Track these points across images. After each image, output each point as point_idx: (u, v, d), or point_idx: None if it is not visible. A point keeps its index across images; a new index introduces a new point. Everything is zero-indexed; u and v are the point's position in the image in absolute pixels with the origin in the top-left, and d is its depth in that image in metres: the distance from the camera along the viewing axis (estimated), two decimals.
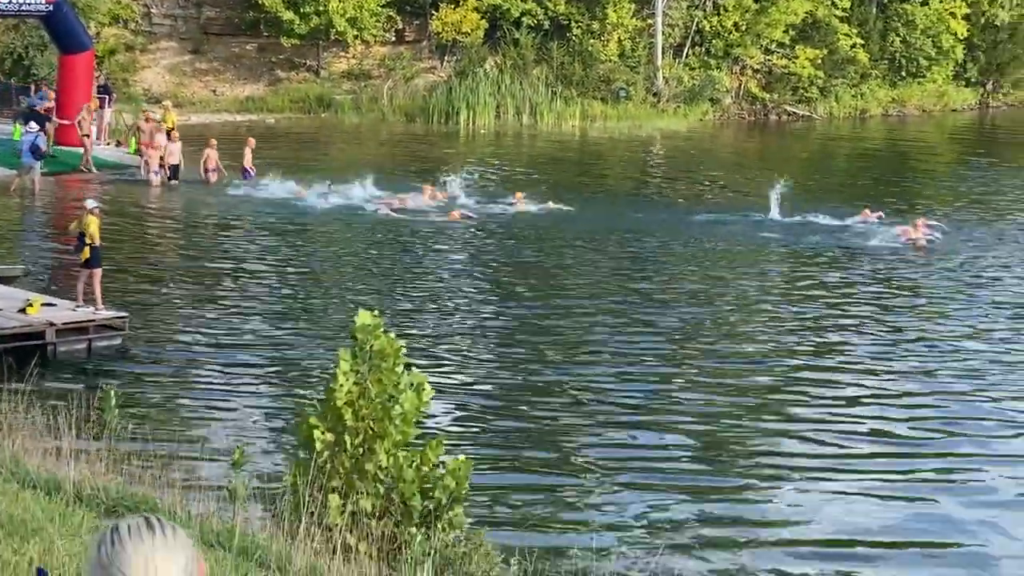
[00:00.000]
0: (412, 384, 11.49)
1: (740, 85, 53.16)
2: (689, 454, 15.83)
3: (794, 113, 53.22)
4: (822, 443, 16.24)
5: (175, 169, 34.24)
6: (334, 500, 10.89)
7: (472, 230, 30.40)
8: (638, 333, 21.51)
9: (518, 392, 18.35)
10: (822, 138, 50.51)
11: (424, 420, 12.21)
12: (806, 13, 52.90)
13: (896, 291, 25.67)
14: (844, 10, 54.55)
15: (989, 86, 59.02)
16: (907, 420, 17.31)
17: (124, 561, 3.11)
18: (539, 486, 14.77)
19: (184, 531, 3.20)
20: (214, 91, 50.12)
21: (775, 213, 32.18)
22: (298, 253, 27.72)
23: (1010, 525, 13.81)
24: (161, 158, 34.20)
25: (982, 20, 57.82)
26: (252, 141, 35.64)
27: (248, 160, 34.88)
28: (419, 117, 48.39)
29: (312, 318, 22.13)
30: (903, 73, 56.22)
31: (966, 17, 56.93)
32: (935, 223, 31.60)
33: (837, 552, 12.92)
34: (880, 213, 32.02)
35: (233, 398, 17.54)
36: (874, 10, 56.16)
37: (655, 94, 51.26)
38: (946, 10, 56.16)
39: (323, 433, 11.24)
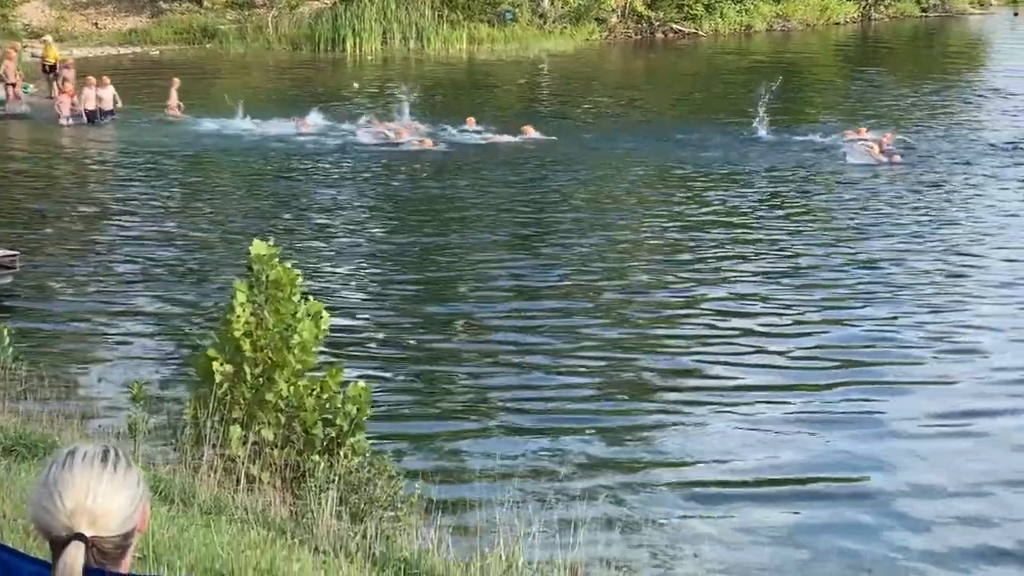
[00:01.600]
0: (310, 313, 11.47)
1: (626, 4, 53.17)
2: (589, 387, 15.80)
3: (680, 31, 53.38)
4: (726, 377, 16.19)
5: (98, 113, 33.75)
6: (235, 431, 10.87)
7: (376, 160, 30.24)
8: (541, 264, 21.44)
9: (419, 321, 18.35)
10: (708, 55, 50.74)
11: (323, 349, 12.17)
12: None
13: (805, 215, 25.88)
14: None
15: None
16: (813, 352, 17.20)
17: (66, 486, 3.11)
18: (440, 413, 14.82)
19: (140, 472, 3.19)
20: (96, 24, 49.29)
21: (762, 131, 32.55)
22: (198, 188, 27.45)
23: (906, 459, 13.79)
24: (73, 103, 33.77)
25: None
26: (177, 81, 35.23)
27: (173, 100, 34.57)
28: (305, 45, 47.98)
29: (211, 252, 21.98)
30: None
31: None
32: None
33: (731, 491, 12.88)
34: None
35: (130, 334, 17.40)
36: None
37: (541, 16, 51.19)
38: None
39: (222, 365, 11.19)
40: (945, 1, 62.00)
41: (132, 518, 3.17)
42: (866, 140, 31.60)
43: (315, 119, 33.37)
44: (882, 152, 30.74)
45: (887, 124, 34.38)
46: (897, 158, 30.30)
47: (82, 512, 3.09)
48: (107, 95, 33.96)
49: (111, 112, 33.93)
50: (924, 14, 61.37)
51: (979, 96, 41.20)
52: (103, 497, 3.11)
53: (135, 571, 3.26)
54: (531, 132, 32.46)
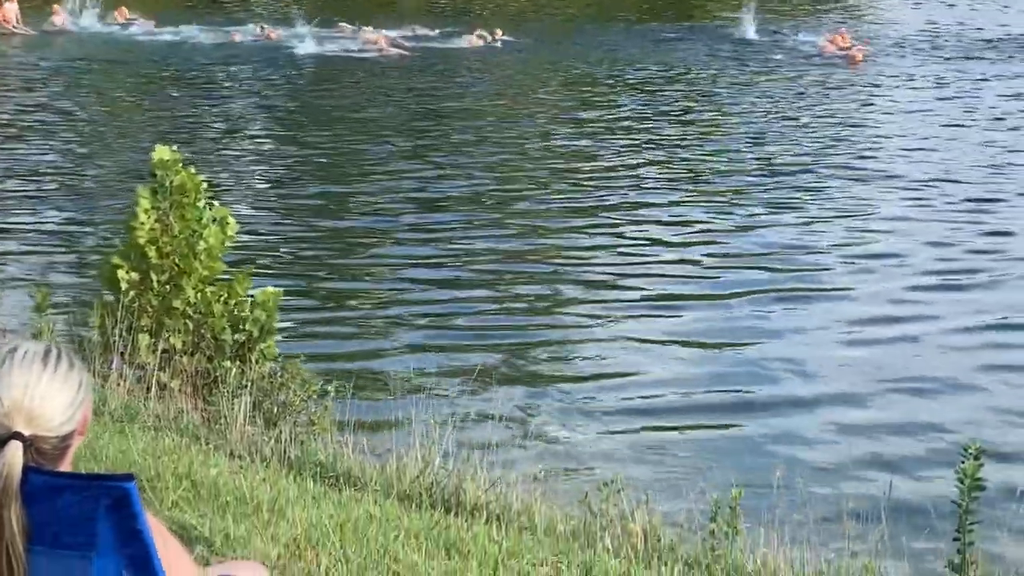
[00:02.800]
0: (216, 219, 11.34)
1: None
2: (495, 299, 15.78)
3: None
4: (632, 288, 16.22)
5: None
6: (143, 339, 10.75)
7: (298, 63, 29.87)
8: (446, 175, 21.34)
9: (327, 224, 18.26)
10: None
11: (231, 254, 12.06)
12: None
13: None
14: None
15: None
16: (720, 262, 17.26)
17: (3, 384, 3.06)
18: (350, 320, 14.77)
19: (86, 376, 3.14)
20: None
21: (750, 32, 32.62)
22: (102, 96, 26.98)
23: (814, 367, 13.85)
24: None
25: None
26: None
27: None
28: None
29: (113, 160, 21.64)
30: None
31: None
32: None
33: (637, 403, 12.91)
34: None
35: (33, 246, 17.12)
36: None
37: None
38: None
39: (127, 273, 11.05)
40: None
41: (73, 419, 3.13)
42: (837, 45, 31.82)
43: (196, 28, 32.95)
44: (841, 48, 31.11)
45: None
46: (858, 56, 30.68)
47: (19, 410, 3.05)
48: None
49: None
50: None
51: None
52: (41, 397, 3.07)
53: None
54: (499, 35, 32.54)
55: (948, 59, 31.98)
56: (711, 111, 26.09)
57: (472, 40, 32.84)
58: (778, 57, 31.20)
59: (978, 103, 27.28)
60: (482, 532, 6.84)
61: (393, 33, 33.02)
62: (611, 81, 28.59)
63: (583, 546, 7.14)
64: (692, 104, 26.60)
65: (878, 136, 23.93)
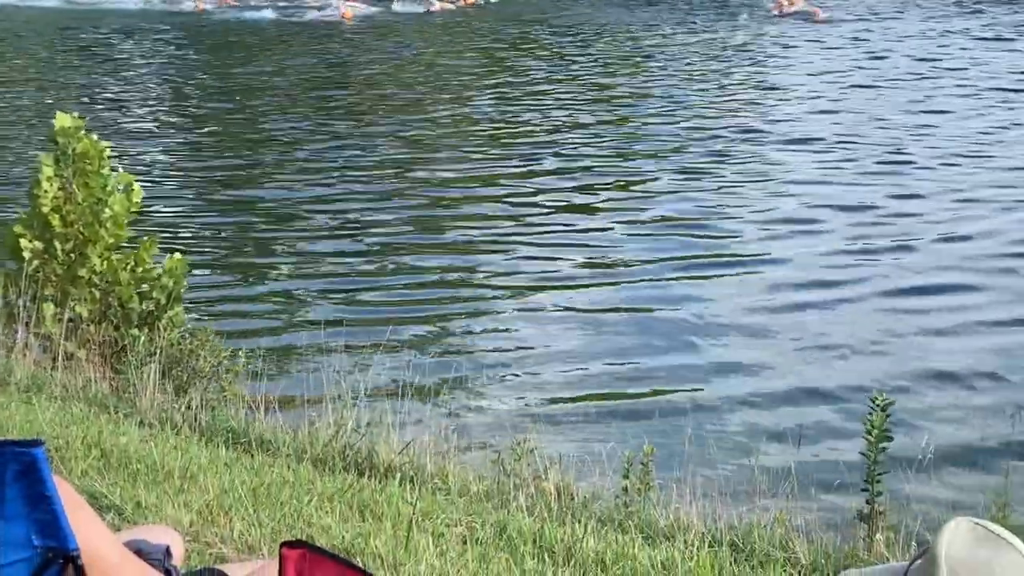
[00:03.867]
0: (121, 186, 11.21)
1: None
2: (398, 260, 15.75)
3: None
4: (541, 259, 16.26)
5: None
6: (48, 308, 10.63)
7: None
8: (358, 143, 21.26)
9: (236, 193, 18.12)
10: None
11: (137, 221, 11.93)
12: None
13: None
14: None
15: None
16: (632, 230, 17.30)
17: None
18: (259, 285, 14.68)
19: None
20: None
21: None
22: (2, 63, 26.59)
23: (726, 338, 13.95)
24: None
25: None
26: None
27: None
28: None
29: (15, 127, 21.33)
30: None
31: None
32: None
33: (546, 377, 12.92)
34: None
35: None
36: None
37: None
38: None
39: (30, 241, 10.91)
40: None
41: None
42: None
43: None
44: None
45: None
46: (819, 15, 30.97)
47: None
48: None
49: None
50: None
51: None
52: None
53: None
54: None
55: (907, 15, 32.17)
56: (630, 74, 26.10)
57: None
58: (724, 16, 31.45)
59: (915, 63, 27.27)
60: (396, 493, 6.84)
61: None
62: (538, 45, 28.56)
63: (497, 506, 7.15)
64: (612, 67, 26.61)
65: (796, 98, 24.02)
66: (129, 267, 11.08)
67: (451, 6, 32.45)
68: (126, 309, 10.83)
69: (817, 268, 15.32)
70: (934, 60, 27.49)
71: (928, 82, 25.56)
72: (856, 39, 29.14)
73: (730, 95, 24.20)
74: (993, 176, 18.49)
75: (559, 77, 25.50)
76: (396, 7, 32.25)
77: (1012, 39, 28.99)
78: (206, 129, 21.67)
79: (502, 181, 18.89)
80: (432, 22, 30.80)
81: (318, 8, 32.33)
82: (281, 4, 32.72)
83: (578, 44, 28.67)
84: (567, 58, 27.44)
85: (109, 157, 11.20)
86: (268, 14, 30.88)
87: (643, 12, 32.09)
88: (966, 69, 26.29)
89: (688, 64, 26.82)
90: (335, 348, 10.52)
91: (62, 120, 11.00)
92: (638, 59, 27.40)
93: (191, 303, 11.47)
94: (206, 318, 12.59)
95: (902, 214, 17.14)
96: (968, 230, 16.18)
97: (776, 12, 31.50)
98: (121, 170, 11.59)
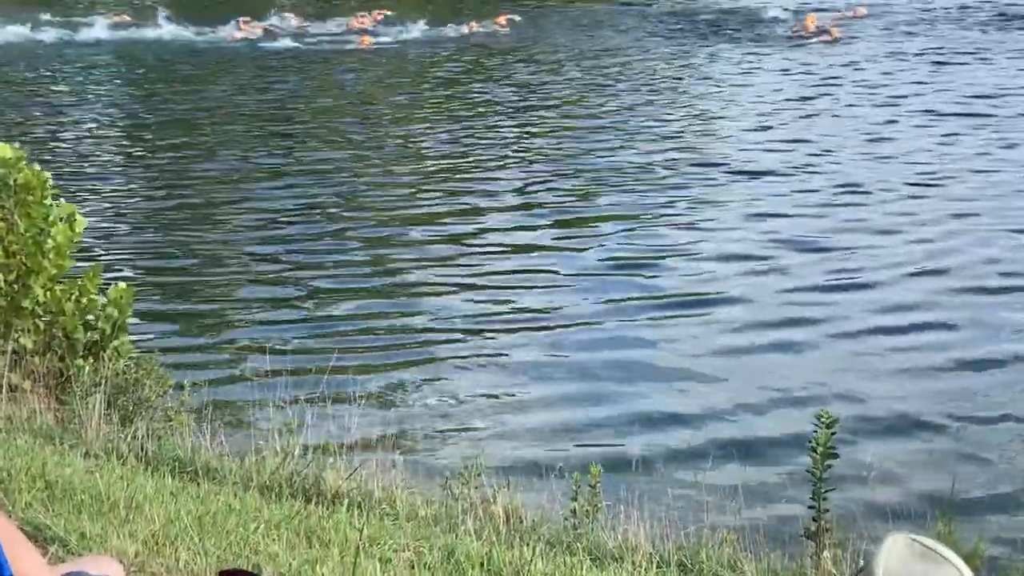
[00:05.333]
0: (63, 216, 11.15)
1: None
2: (342, 284, 15.71)
3: None
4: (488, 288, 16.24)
5: None
6: None
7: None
8: (303, 169, 21.17)
9: (177, 219, 18.06)
10: None
11: (82, 251, 11.89)
12: None
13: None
14: None
15: None
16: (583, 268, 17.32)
17: None
18: (205, 313, 14.62)
19: None
20: None
21: None
22: None
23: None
24: None
25: None
26: None
27: None
28: None
29: None
30: None
31: None
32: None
33: (493, 400, 12.94)
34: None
35: None
36: None
37: None
38: None
39: None
40: None
41: None
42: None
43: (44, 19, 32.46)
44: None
45: None
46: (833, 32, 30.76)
47: None
48: None
49: None
50: None
51: None
52: None
53: None
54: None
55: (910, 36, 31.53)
56: (592, 99, 25.97)
57: (352, 24, 32.70)
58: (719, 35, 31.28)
59: (894, 90, 26.11)
60: (343, 520, 6.83)
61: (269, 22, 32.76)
62: (506, 68, 28.51)
63: (445, 530, 7.16)
64: (572, 92, 26.54)
65: (766, 126, 23.50)
66: (73, 297, 11.02)
67: (481, 28, 32.25)
68: (71, 339, 10.77)
69: (769, 303, 15.12)
70: (931, 85, 26.44)
71: (923, 110, 24.40)
72: (866, 60, 28.60)
73: (701, 124, 23.80)
74: (953, 206, 18.26)
75: (527, 105, 25.38)
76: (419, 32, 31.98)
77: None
78: (158, 159, 21.54)
79: (450, 219, 18.59)
80: (452, 47, 30.56)
81: (338, 34, 32.06)
82: (307, 31, 32.43)
83: (568, 70, 28.44)
84: (545, 85, 27.25)
85: (52, 187, 11.14)
86: (288, 43, 30.71)
87: (667, 40, 31.54)
88: (972, 98, 25.11)
89: (676, 91, 26.52)
90: (281, 374, 10.49)
91: (2, 151, 10.94)
92: (620, 88, 26.96)
93: (136, 333, 11.41)
94: (151, 345, 12.53)
95: (860, 247, 16.79)
96: (933, 264, 16.05)
97: (796, 33, 31.35)
98: (64, 200, 11.53)
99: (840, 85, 26.52)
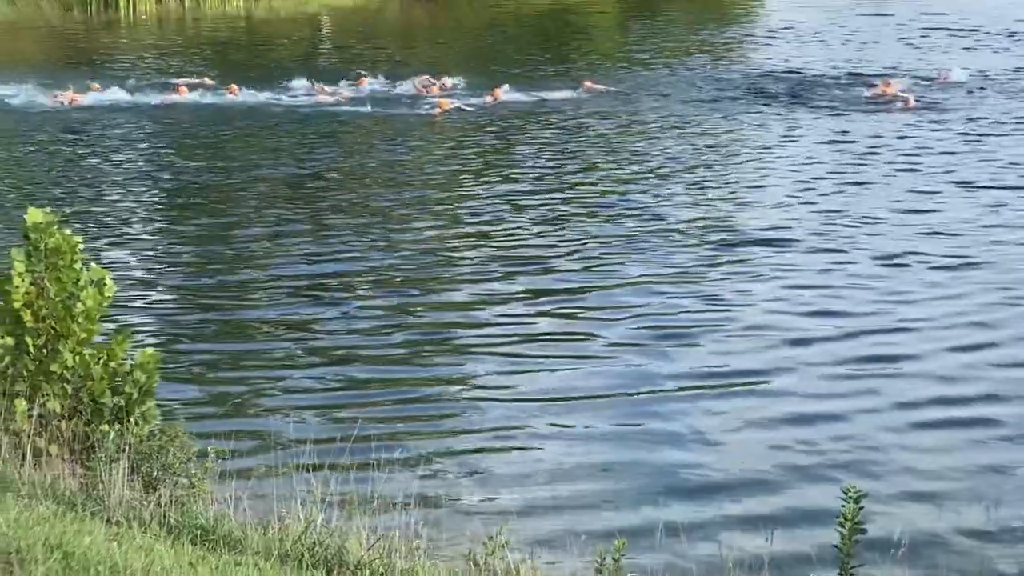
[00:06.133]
0: (93, 280, 11.20)
1: None
2: (382, 353, 15.66)
3: None
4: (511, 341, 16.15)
5: None
6: (20, 404, 10.57)
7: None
8: (316, 220, 21.18)
9: (206, 285, 18.08)
10: (489, 4, 50.73)
11: (111, 315, 11.92)
12: None
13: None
14: None
15: None
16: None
17: None
18: (232, 378, 14.60)
19: None
20: None
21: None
22: None
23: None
24: None
25: None
26: None
27: None
28: (76, 7, 46.79)
29: None
30: None
31: None
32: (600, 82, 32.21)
33: (520, 468, 12.87)
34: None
35: None
36: None
37: None
38: None
39: (2, 338, 10.88)
40: None
41: None
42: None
43: (86, 87, 32.61)
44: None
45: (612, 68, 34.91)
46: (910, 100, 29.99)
47: None
48: None
49: None
50: None
51: (751, 33, 42.22)
52: None
53: None
54: (500, 94, 31.83)
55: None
56: (652, 163, 25.33)
57: (422, 89, 32.51)
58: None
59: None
60: None
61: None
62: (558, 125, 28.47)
63: None
64: (635, 155, 26.12)
65: (799, 194, 22.81)
66: (102, 361, 11.05)
67: (600, 87, 32.10)
68: (98, 404, 10.79)
69: (802, 376, 14.77)
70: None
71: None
72: (940, 128, 27.71)
73: (750, 191, 23.20)
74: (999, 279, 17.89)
75: (584, 170, 24.83)
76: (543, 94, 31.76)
77: None
78: (195, 224, 21.44)
79: (478, 285, 18.22)
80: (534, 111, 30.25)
81: (414, 99, 31.89)
82: (382, 95, 32.26)
83: (635, 135, 27.91)
84: (610, 149, 26.76)
85: (82, 251, 11.20)
86: (362, 107, 30.66)
87: (738, 102, 30.93)
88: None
89: (734, 156, 25.94)
90: (305, 442, 10.47)
91: (33, 216, 11.01)
92: (682, 150, 26.24)
93: (162, 397, 11.40)
94: (177, 411, 12.53)
95: (900, 319, 16.44)
96: (974, 339, 15.70)
97: (871, 94, 30.87)
98: (94, 264, 11.58)
99: (906, 153, 25.75)
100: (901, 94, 30.51)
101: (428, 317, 16.83)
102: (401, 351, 15.59)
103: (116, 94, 32.11)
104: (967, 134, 27.00)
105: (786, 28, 42.17)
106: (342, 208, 22.27)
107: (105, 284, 11.44)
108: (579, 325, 16.44)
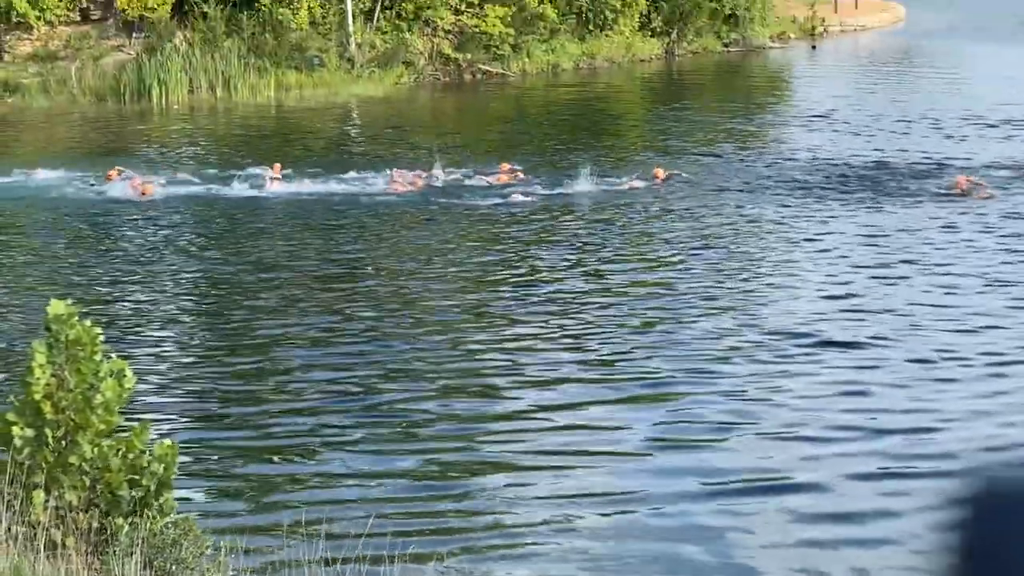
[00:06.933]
0: (113, 372, 11.26)
1: (433, 47, 53.39)
2: (399, 439, 15.68)
3: (488, 71, 53.70)
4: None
5: None
6: (38, 496, 10.61)
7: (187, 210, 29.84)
8: (343, 315, 21.19)
9: (222, 376, 18.13)
10: (517, 94, 51.10)
11: (131, 407, 11.97)
12: None
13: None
14: None
15: (673, 35, 60.53)
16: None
17: None
18: (251, 472, 14.62)
19: None
20: None
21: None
22: None
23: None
24: None
25: None
26: None
27: None
28: (110, 97, 47.26)
29: (10, 313, 21.46)
30: (591, 26, 57.35)
31: None
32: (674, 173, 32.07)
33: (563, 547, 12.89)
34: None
35: None
36: None
37: (349, 60, 51.06)
38: None
39: (21, 429, 10.93)
40: (745, 36, 63.21)
41: None
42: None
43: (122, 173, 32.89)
44: (662, 180, 31.05)
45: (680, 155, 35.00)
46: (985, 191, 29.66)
47: None
48: None
49: None
50: (726, 49, 62.49)
51: (783, 122, 42.36)
52: None
53: None
54: (660, 175, 31.67)
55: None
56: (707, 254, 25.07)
57: (499, 178, 32.22)
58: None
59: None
60: None
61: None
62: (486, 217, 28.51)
63: None
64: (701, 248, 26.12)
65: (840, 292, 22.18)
66: (121, 453, 11.09)
67: (640, 184, 31.90)
68: (116, 496, 10.82)
69: (833, 486, 14.58)
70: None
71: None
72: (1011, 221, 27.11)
73: (796, 287, 22.87)
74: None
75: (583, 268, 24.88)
76: (578, 186, 31.60)
77: None
78: (224, 317, 21.39)
79: (503, 389, 17.88)
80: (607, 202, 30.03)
81: (484, 189, 31.63)
82: (455, 185, 31.99)
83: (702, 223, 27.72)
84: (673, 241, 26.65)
85: (103, 342, 11.28)
86: (431, 196, 30.54)
87: (802, 191, 30.54)
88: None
89: (786, 250, 25.60)
90: (318, 536, 10.46)
91: (55, 308, 11.11)
92: (741, 243, 26.10)
93: (178, 489, 11.43)
94: (192, 504, 12.55)
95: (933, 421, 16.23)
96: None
97: (948, 191, 30.42)
98: (115, 356, 11.66)
99: (941, 247, 25.25)
100: (976, 183, 30.02)
101: (448, 423, 16.66)
102: (418, 460, 15.44)
103: (179, 185, 32.13)
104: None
105: (819, 116, 42.24)
106: (370, 302, 22.17)
107: (125, 375, 11.51)
108: (611, 420, 16.35)
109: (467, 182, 31.93)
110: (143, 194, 30.96)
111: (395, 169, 32.69)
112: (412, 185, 31.65)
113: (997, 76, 52.11)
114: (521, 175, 32.28)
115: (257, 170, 32.97)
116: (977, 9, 74.07)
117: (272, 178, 32.17)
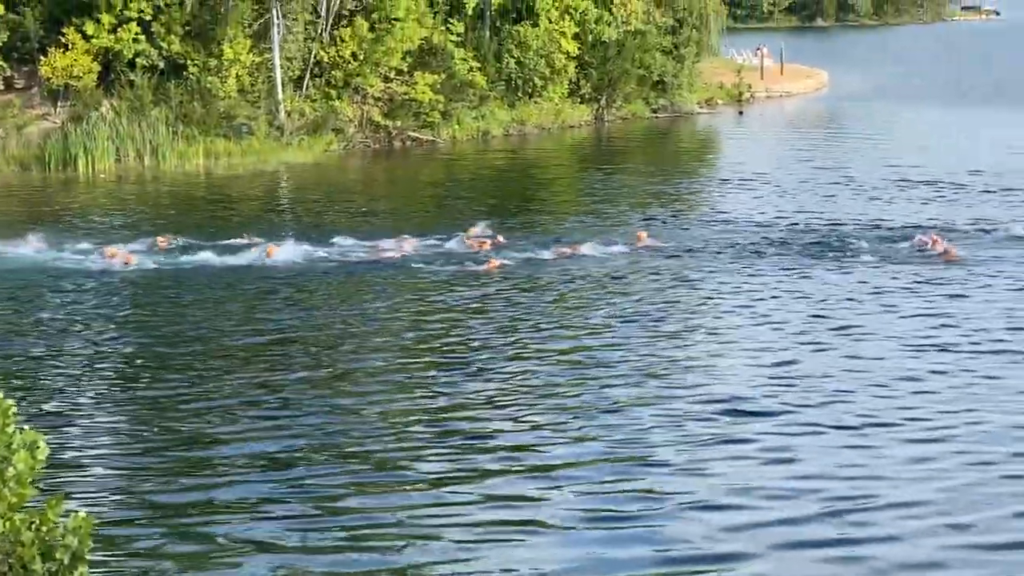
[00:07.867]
0: (25, 443, 11.01)
1: (363, 114, 53.43)
2: (337, 502, 15.51)
3: (418, 138, 53.81)
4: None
5: None
6: None
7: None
8: (266, 387, 20.85)
9: (139, 443, 17.86)
10: (446, 161, 51.20)
11: (44, 478, 11.69)
12: (422, 39, 53.67)
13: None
14: (459, 35, 55.74)
15: (602, 101, 60.94)
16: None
17: None
18: (163, 548, 14.34)
19: None
20: None
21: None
22: None
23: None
24: None
25: (591, 38, 59.79)
26: None
27: None
28: (35, 166, 46.96)
29: None
30: (520, 93, 57.71)
31: (576, 36, 58.90)
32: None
33: None
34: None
35: None
36: (487, 34, 57.50)
37: (278, 128, 51.02)
38: (557, 30, 58.00)
39: None
40: (673, 102, 63.76)
41: None
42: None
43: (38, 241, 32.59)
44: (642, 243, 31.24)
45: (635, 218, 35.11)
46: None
47: None
48: None
49: None
50: (654, 114, 62.99)
51: (712, 186, 42.75)
52: None
53: None
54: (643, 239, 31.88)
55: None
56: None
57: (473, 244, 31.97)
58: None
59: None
60: None
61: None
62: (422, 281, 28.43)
63: None
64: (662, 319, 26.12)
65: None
66: (34, 527, 10.83)
67: (567, 250, 31.58)
68: (28, 570, 10.55)
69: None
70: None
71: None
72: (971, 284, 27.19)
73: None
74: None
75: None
76: (585, 249, 31.46)
77: None
78: (149, 389, 20.91)
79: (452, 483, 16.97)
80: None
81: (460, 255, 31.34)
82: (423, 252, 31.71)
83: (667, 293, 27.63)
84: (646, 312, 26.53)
85: (15, 414, 11.02)
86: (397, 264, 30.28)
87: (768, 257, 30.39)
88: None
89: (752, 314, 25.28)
90: None
91: None
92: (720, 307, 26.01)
93: (95, 564, 11.17)
94: (112, 572, 12.29)
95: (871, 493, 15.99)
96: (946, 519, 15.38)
97: (924, 247, 30.39)
98: (27, 427, 11.40)
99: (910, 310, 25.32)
100: (944, 246, 30.11)
101: (372, 482, 16.55)
102: (342, 522, 15.25)
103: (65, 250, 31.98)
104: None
105: (747, 179, 42.70)
106: (295, 373, 21.67)
107: (38, 447, 11.25)
108: (532, 491, 16.08)
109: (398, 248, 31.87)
110: (126, 263, 30.80)
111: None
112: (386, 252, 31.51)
113: (914, 137, 53.16)
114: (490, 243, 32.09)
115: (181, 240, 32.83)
116: (907, 70, 75.11)
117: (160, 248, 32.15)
